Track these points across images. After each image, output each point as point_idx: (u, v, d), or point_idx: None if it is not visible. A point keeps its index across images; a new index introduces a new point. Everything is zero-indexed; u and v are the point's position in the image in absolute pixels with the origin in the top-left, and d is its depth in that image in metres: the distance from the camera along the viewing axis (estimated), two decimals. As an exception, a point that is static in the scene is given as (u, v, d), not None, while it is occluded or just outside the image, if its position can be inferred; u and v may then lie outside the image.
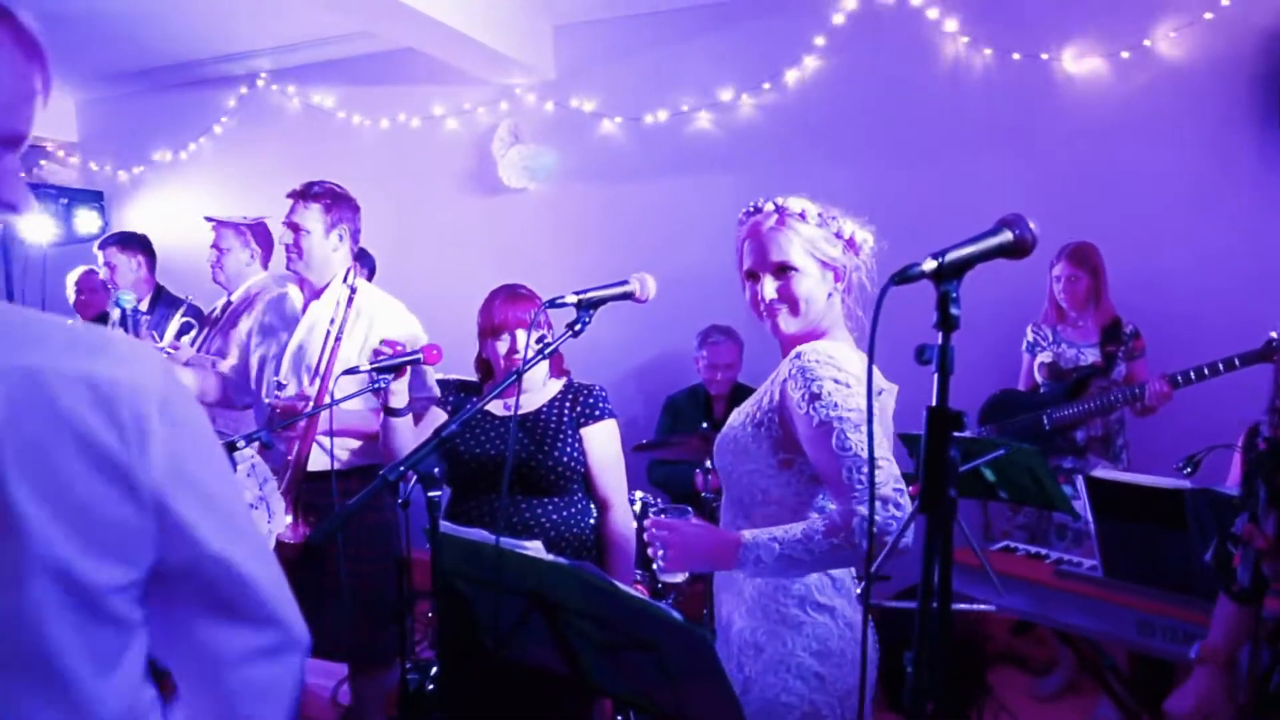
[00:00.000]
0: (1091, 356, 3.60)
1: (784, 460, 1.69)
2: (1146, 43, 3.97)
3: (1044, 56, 4.12)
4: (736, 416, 1.78)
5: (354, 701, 3.07)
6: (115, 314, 4.16)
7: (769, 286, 1.73)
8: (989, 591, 2.70)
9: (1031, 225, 1.13)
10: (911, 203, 4.34)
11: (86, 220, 5.86)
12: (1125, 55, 4.01)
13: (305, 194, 2.90)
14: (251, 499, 2.42)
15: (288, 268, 2.95)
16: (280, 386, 2.80)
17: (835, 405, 1.58)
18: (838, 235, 1.76)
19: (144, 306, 4.25)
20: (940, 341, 1.03)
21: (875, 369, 1.29)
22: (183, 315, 3.97)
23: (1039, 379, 3.71)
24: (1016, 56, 4.15)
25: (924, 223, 4.26)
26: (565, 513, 2.48)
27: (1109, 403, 3.46)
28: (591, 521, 2.56)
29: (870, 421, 1.06)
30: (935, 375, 1.03)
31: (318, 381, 2.78)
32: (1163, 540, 2.42)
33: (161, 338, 3.76)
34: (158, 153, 6.19)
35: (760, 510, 1.72)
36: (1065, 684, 3.69)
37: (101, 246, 4.34)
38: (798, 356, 1.67)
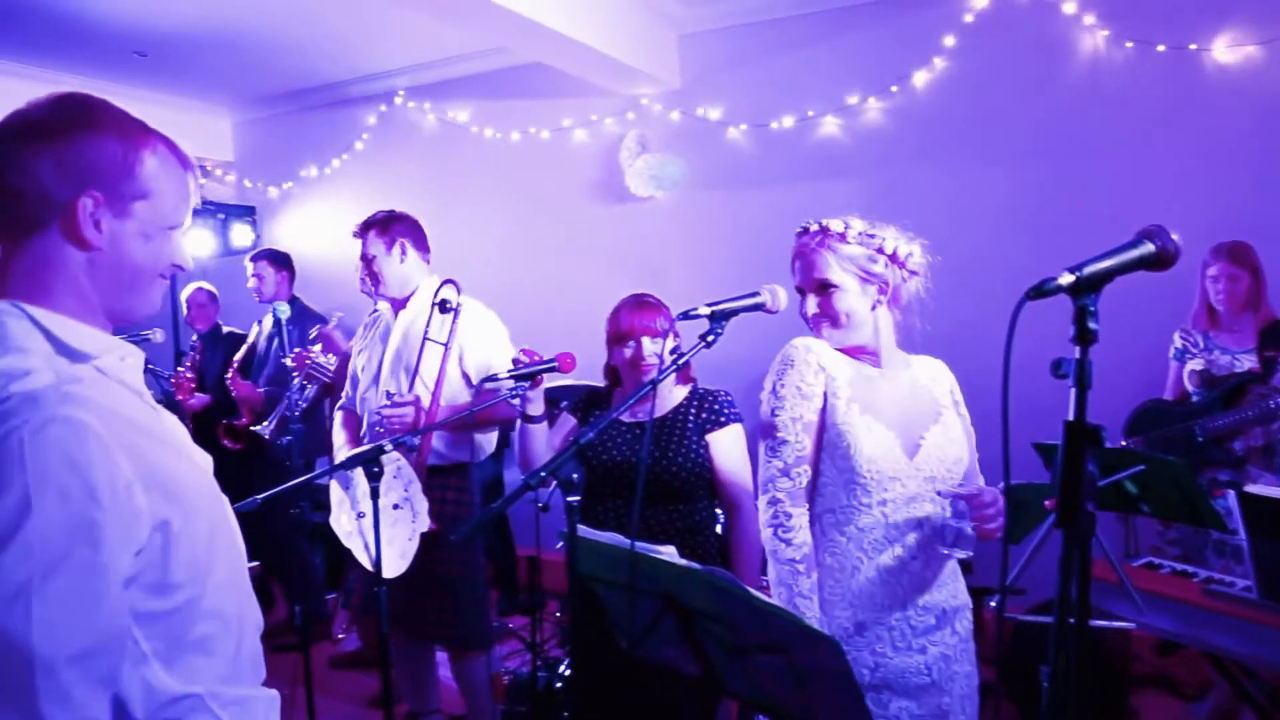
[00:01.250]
0: (1248, 362, 3.39)
1: None
2: (1309, 27, 3.73)
3: (1192, 47, 3.92)
4: (945, 429, 1.93)
5: (459, 684, 3.23)
6: (269, 321, 4.46)
7: (811, 303, 1.91)
8: (1128, 608, 2.59)
9: (1174, 236, 1.10)
10: (1048, 206, 4.21)
11: (241, 234, 6.25)
12: (1285, 42, 3.78)
13: (363, 228, 3.16)
14: (397, 499, 2.55)
15: (376, 294, 3.19)
16: (390, 396, 2.98)
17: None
18: (880, 251, 1.89)
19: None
20: (1077, 355, 1.02)
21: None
22: (334, 326, 4.22)
23: (1189, 387, 3.53)
24: (1161, 48, 3.97)
25: (1062, 227, 4.14)
26: (692, 519, 2.51)
27: (1269, 411, 3.26)
28: (718, 527, 2.59)
29: (1005, 431, 1.06)
30: (1072, 389, 1.03)
31: (422, 388, 3.00)
32: (1326, 560, 2.29)
33: (293, 346, 4.01)
34: (304, 169, 6.55)
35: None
36: (1219, 711, 3.49)
37: (254, 258, 4.71)
38: (947, 369, 2.05)
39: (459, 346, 3.05)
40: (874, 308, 1.90)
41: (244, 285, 4.86)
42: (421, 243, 3.22)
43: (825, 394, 1.86)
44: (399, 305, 3.18)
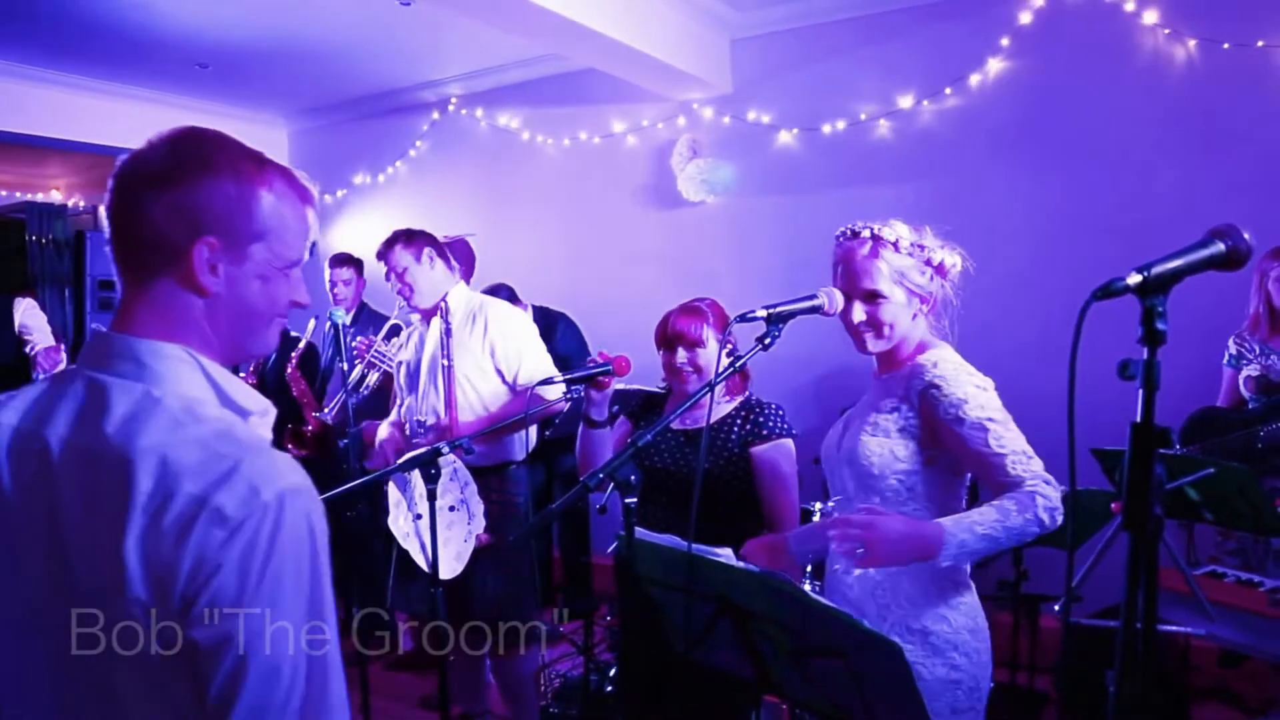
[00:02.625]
0: (1310, 369, 3.32)
1: (929, 458, 1.86)
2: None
3: (1259, 44, 3.83)
4: (868, 428, 1.90)
5: (499, 680, 3.27)
6: (328, 326, 4.53)
7: (858, 311, 1.88)
8: (1192, 617, 2.54)
9: (1246, 235, 1.08)
10: (1107, 209, 4.14)
11: (297, 240, 6.37)
12: (1357, 37, 3.67)
13: (387, 245, 3.21)
14: (453, 501, 2.58)
15: (411, 307, 3.25)
16: (422, 425, 3.04)
17: (982, 406, 1.78)
18: (928, 263, 1.88)
19: (349, 320, 4.65)
20: (1145, 356, 1.01)
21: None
22: (394, 319, 4.26)
23: (1246, 393, 3.45)
24: (1226, 46, 3.88)
25: (1122, 230, 4.07)
26: (727, 530, 2.42)
27: (1333, 419, 3.19)
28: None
29: (1071, 436, 1.06)
30: (1140, 391, 1.02)
31: (469, 392, 3.13)
32: (1399, 570, 2.22)
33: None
34: (358, 176, 6.65)
35: (909, 506, 1.87)
36: (1284, 724, 3.41)
37: (335, 264, 4.78)
38: (929, 367, 1.85)
39: (489, 344, 3.12)
40: (914, 317, 1.91)
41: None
42: (443, 252, 3.30)
43: None
44: (430, 315, 3.25)
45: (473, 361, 3.13)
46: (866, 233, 1.87)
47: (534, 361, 3.15)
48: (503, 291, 4.94)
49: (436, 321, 3.22)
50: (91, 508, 0.97)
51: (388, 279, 3.22)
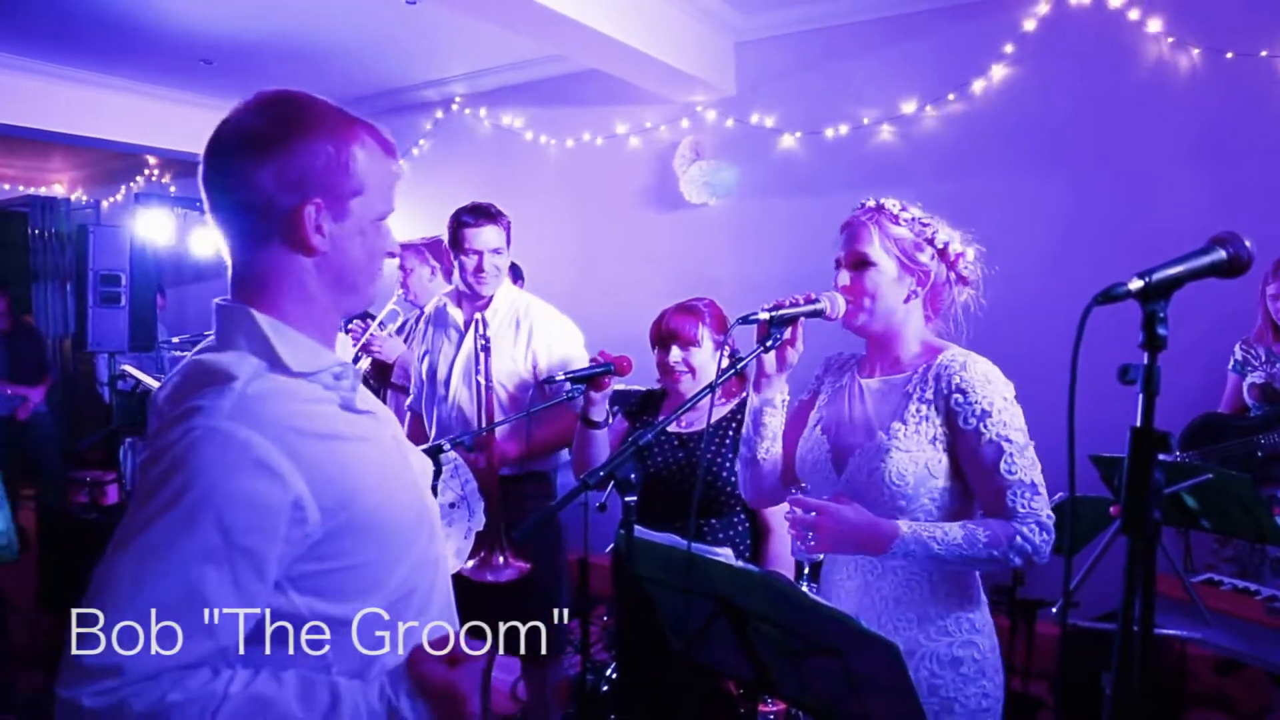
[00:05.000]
0: (1312, 378, 3.32)
1: (956, 469, 1.74)
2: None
3: (1263, 54, 3.84)
4: (896, 444, 1.71)
5: (529, 686, 3.25)
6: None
7: (843, 275, 1.79)
8: (1189, 623, 2.54)
9: (1247, 243, 1.08)
10: (1110, 217, 4.14)
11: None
12: (1359, 49, 3.68)
13: (494, 216, 2.85)
14: (453, 498, 2.58)
15: (483, 291, 2.89)
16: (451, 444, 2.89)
17: (1005, 424, 1.66)
18: (929, 242, 1.79)
19: None
20: (1146, 362, 1.02)
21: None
22: (393, 305, 4.16)
23: (1249, 401, 3.46)
24: (1229, 55, 3.89)
25: (1125, 237, 4.07)
26: (722, 535, 2.46)
27: (1333, 429, 3.19)
28: (748, 545, 2.52)
29: (1071, 440, 1.06)
30: (1140, 396, 1.02)
31: (502, 395, 2.88)
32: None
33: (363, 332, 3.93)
34: (362, 174, 6.65)
35: (935, 519, 1.73)
36: (1278, 733, 3.41)
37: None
38: (956, 369, 1.70)
39: (531, 354, 2.90)
40: (907, 299, 1.79)
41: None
42: None
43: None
44: (481, 306, 2.93)
45: (510, 370, 2.89)
46: (873, 202, 1.81)
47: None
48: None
49: (489, 318, 2.90)
50: None
51: (461, 253, 2.81)
